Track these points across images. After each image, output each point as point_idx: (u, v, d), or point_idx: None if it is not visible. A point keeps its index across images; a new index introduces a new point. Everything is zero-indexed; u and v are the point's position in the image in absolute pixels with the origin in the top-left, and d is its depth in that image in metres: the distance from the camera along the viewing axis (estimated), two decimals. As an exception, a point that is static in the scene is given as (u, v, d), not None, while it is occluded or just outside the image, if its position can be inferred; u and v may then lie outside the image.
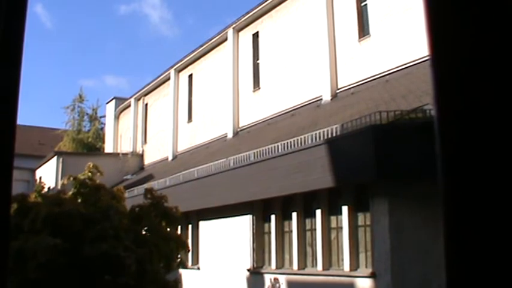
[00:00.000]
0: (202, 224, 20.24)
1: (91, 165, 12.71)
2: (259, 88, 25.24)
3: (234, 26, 27.25)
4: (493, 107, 1.08)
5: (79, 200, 12.05)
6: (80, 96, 48.96)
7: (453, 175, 1.10)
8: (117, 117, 41.43)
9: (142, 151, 37.15)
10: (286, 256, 16.11)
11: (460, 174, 1.10)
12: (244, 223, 17.62)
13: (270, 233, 16.77)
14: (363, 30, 19.66)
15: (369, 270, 12.73)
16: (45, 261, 10.03)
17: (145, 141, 37.11)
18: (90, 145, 46.68)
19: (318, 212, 14.64)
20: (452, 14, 1.14)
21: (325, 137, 14.05)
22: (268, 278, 16.26)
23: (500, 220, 1.05)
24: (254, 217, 17.28)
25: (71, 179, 12.53)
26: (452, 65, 1.13)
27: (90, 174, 12.51)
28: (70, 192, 12.37)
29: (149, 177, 28.62)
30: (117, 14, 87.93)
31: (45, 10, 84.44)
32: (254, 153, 17.00)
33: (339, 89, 20.48)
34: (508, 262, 1.04)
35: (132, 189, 23.52)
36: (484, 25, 1.11)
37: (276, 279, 15.93)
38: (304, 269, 15.17)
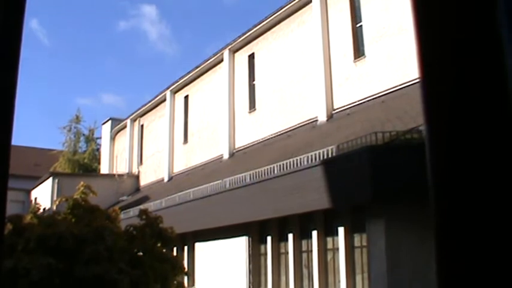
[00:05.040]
0: (198, 246, 20.14)
1: (83, 185, 12.62)
2: (255, 109, 25.30)
3: (229, 47, 27.40)
4: (483, 127, 1.09)
5: (73, 221, 11.96)
6: (77, 117, 49.04)
7: (444, 194, 1.11)
8: (113, 138, 41.43)
9: (138, 172, 37.09)
10: (283, 278, 16.00)
11: (450, 193, 1.10)
12: (240, 245, 17.53)
13: (266, 254, 16.69)
14: (358, 51, 19.79)
15: (366, 292, 12.67)
16: (38, 280, 9.94)
17: (141, 162, 37.07)
18: (86, 166, 46.61)
19: (314, 234, 14.60)
20: (442, 35, 1.15)
21: (321, 158, 14.05)
22: (264, 300, 16.16)
23: (491, 238, 1.05)
24: (250, 238, 17.20)
25: (63, 200, 12.46)
26: (442, 86, 1.14)
27: (83, 194, 12.43)
28: (63, 214, 12.29)
29: (145, 199, 28.53)
30: (116, 31, 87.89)
31: (41, 26, 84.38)
32: (250, 174, 16.98)
33: (334, 110, 20.56)
34: (500, 279, 1.04)
35: (127, 210, 23.43)
36: (473, 47, 1.12)
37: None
38: (300, 290, 15.08)
